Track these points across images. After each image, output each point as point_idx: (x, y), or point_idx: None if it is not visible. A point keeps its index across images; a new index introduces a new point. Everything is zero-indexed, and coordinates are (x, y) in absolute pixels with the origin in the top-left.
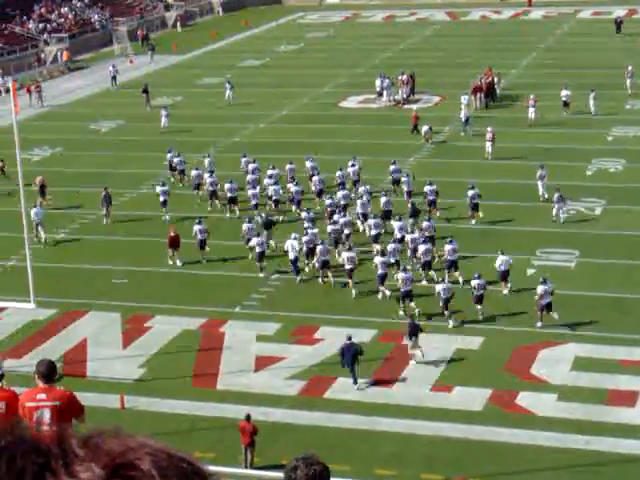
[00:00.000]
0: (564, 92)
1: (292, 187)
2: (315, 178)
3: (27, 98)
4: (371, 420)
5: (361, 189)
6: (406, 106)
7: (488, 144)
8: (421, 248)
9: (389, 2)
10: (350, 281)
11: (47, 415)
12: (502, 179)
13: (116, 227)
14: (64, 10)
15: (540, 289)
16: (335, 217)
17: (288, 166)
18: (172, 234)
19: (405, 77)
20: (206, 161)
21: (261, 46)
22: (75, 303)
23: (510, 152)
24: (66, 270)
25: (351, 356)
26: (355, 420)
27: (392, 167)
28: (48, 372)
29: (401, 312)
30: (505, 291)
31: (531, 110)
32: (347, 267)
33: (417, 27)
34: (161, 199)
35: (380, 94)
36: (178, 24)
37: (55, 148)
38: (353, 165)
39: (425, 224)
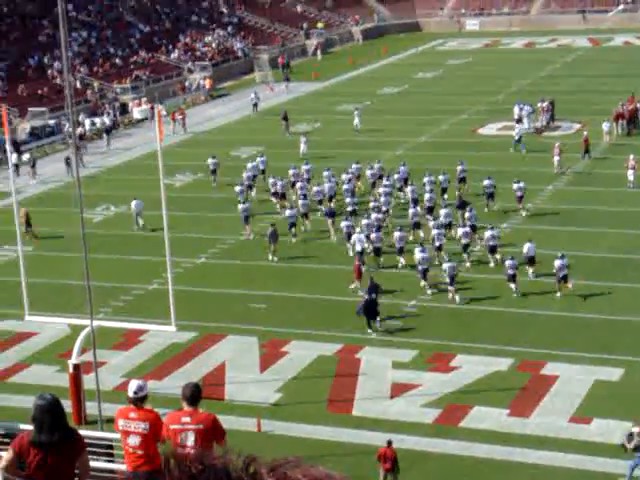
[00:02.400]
0: None
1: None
2: (408, 188)
3: (171, 125)
4: (507, 450)
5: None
6: (544, 133)
7: (630, 172)
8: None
9: (530, 29)
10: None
11: (191, 438)
12: None
13: (255, 250)
14: (208, 39)
15: (557, 263)
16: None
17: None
18: (356, 263)
19: (545, 104)
20: (326, 186)
21: (400, 73)
22: (214, 327)
23: None
24: (206, 294)
25: (373, 309)
26: (491, 450)
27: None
28: (193, 396)
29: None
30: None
31: None
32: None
33: (558, 53)
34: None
35: (518, 121)
36: (318, 52)
37: (197, 174)
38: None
39: (467, 214)
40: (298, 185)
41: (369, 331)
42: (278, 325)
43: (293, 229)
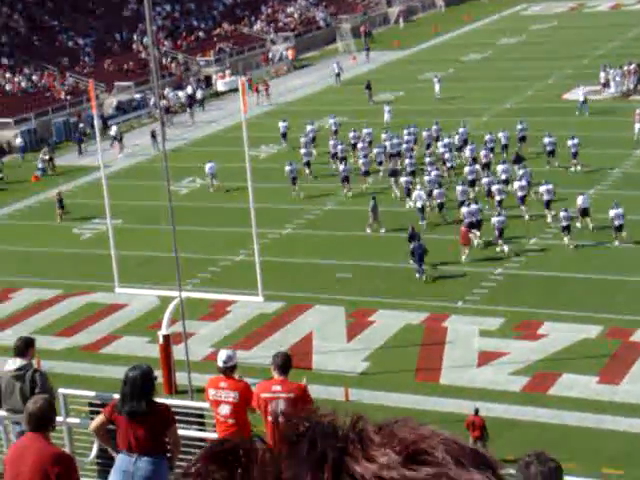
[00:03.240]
0: None
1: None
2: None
3: (255, 96)
4: (597, 418)
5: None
6: (631, 97)
7: None
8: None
9: None
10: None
11: (282, 406)
12: None
13: (340, 222)
14: (290, 10)
15: (612, 213)
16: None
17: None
18: (463, 229)
19: (633, 67)
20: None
21: (483, 39)
22: (301, 297)
23: None
24: (292, 264)
25: (420, 253)
26: (580, 417)
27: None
28: (284, 365)
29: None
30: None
31: None
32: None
33: None
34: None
35: (604, 85)
36: (400, 20)
37: (281, 144)
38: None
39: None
40: (359, 146)
41: (417, 276)
42: (364, 294)
43: (346, 183)
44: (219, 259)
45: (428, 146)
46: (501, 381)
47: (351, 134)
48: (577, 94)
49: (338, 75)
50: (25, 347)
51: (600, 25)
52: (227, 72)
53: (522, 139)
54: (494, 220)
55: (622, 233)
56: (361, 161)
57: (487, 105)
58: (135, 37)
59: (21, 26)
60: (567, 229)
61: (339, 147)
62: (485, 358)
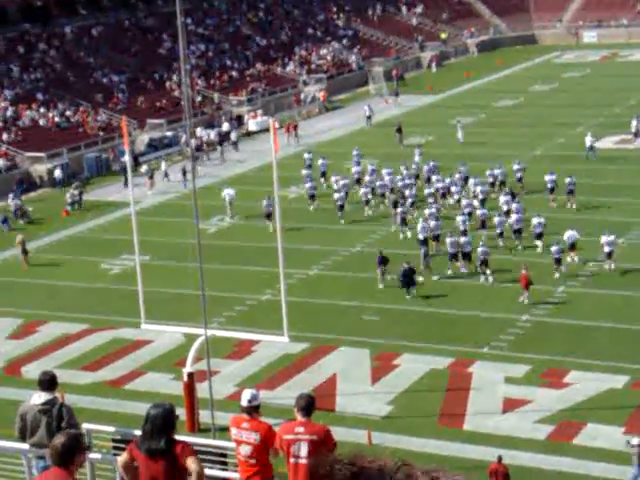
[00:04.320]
0: None
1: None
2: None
3: (285, 137)
4: (622, 469)
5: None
6: None
7: None
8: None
9: None
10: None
11: (304, 448)
12: None
13: (364, 264)
14: (323, 52)
15: (604, 239)
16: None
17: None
18: (523, 272)
19: None
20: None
21: (515, 86)
22: (326, 338)
23: None
24: (318, 305)
25: (407, 277)
26: (605, 468)
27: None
28: (307, 406)
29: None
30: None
31: None
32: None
33: None
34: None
35: (636, 135)
36: (433, 64)
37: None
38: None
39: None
40: (367, 179)
41: (407, 297)
42: (390, 337)
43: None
44: (245, 298)
45: (428, 180)
46: (526, 429)
47: (354, 169)
48: (586, 140)
49: (369, 117)
50: (51, 381)
51: (633, 74)
52: (259, 112)
53: (519, 180)
54: (479, 250)
55: (611, 261)
56: (362, 190)
57: (518, 151)
58: (169, 75)
59: (57, 62)
60: (558, 261)
61: (367, 192)
62: (510, 405)
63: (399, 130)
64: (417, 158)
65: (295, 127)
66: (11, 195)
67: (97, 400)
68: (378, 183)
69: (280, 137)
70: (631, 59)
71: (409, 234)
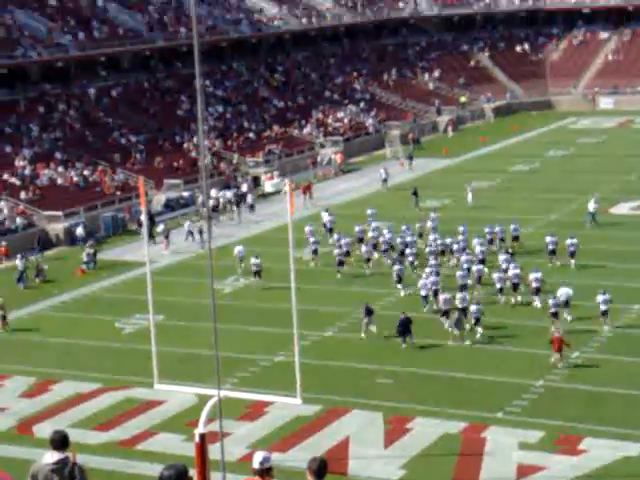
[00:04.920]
0: None
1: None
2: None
3: (302, 198)
4: None
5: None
6: None
7: None
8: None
9: None
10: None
11: None
12: None
13: (382, 325)
14: (340, 115)
15: (599, 298)
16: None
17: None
18: (556, 335)
19: None
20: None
21: (531, 151)
22: (339, 400)
23: None
24: (332, 367)
25: (404, 326)
26: None
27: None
28: (320, 470)
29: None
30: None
31: None
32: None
33: None
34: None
35: None
36: (449, 128)
37: (325, 247)
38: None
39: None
40: (370, 235)
41: (403, 346)
42: (403, 401)
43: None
44: (259, 359)
45: (420, 236)
46: None
47: (357, 228)
48: (589, 206)
49: (385, 180)
50: (63, 440)
51: None
52: (275, 173)
53: (515, 238)
54: (472, 307)
55: (607, 318)
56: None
57: (534, 216)
58: (188, 136)
59: (76, 122)
60: (555, 315)
61: (343, 241)
62: (524, 472)
63: (415, 193)
64: (430, 223)
65: (309, 188)
66: (20, 254)
67: (108, 460)
68: (381, 239)
69: (296, 198)
70: None
71: (404, 292)
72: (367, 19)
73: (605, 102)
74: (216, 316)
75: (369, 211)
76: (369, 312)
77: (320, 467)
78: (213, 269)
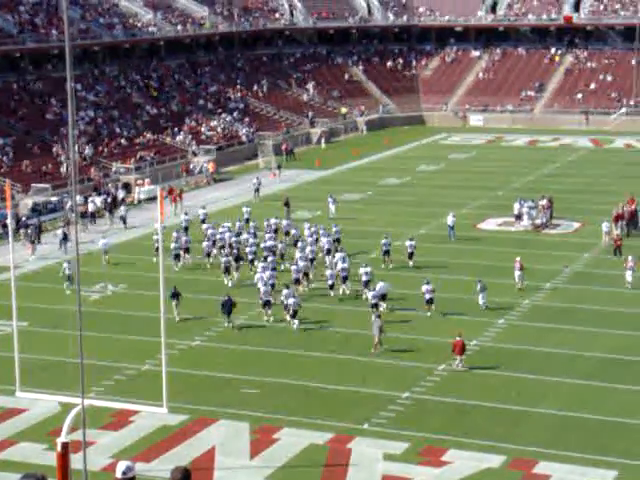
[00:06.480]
0: None
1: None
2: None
3: (172, 206)
4: None
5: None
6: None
7: (629, 273)
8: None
9: (533, 126)
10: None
11: None
12: None
13: (248, 336)
14: (213, 123)
15: (424, 288)
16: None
17: None
18: (458, 339)
19: (545, 202)
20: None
21: (402, 165)
22: (206, 410)
23: None
24: (199, 377)
25: (229, 306)
26: None
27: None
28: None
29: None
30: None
31: None
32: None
33: (560, 152)
34: None
35: (518, 217)
36: (322, 140)
37: (197, 255)
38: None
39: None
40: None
41: (226, 324)
42: (270, 411)
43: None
44: (125, 367)
45: (328, 251)
46: None
47: (221, 229)
48: (448, 219)
49: (257, 190)
50: None
51: (516, 158)
52: (147, 180)
53: (411, 256)
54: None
55: (432, 305)
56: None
57: (404, 229)
58: (56, 140)
59: None
60: (375, 306)
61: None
62: None
63: (287, 204)
64: (307, 231)
65: (180, 195)
66: None
67: None
68: (219, 236)
69: (166, 207)
70: (515, 144)
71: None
72: (242, 28)
73: (475, 119)
74: (81, 323)
75: (244, 209)
76: (175, 295)
77: (183, 477)
78: (79, 276)
